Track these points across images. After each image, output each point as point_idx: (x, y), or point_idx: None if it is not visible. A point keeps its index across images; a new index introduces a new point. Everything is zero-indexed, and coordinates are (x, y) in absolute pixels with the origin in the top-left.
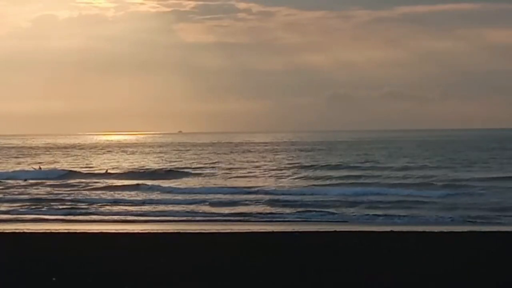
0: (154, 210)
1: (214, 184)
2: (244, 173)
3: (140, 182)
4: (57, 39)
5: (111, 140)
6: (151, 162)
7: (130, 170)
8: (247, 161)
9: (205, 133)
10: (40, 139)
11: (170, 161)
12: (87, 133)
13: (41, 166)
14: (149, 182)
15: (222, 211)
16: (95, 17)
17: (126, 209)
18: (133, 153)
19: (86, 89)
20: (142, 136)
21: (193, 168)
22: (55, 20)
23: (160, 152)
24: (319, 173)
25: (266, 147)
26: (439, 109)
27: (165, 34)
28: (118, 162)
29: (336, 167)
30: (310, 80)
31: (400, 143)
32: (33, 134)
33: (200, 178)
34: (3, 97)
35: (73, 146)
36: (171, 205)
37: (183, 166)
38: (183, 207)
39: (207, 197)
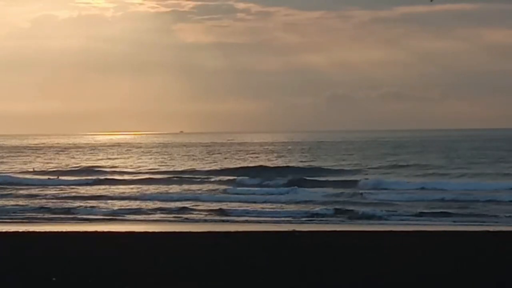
0: None
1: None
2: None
3: None
4: (56, 39)
5: (95, 140)
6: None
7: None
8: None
9: (206, 133)
10: (37, 139)
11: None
12: (88, 133)
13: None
14: None
15: None
16: (94, 17)
17: None
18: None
19: (87, 89)
20: (136, 136)
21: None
22: (55, 20)
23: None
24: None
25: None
26: (438, 109)
27: (164, 34)
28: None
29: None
30: (309, 80)
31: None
32: (34, 134)
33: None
34: (3, 97)
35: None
36: None
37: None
38: None
39: None
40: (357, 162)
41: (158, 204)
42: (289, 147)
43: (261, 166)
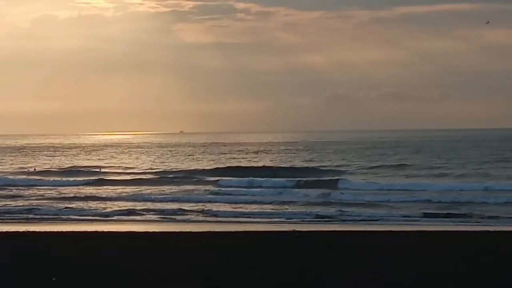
0: None
1: None
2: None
3: None
4: (56, 39)
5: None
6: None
7: None
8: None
9: (206, 133)
10: (37, 139)
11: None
12: (88, 133)
13: (36, 168)
14: None
15: None
16: (94, 17)
17: None
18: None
19: (87, 89)
20: (136, 136)
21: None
22: (55, 20)
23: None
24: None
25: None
26: (438, 109)
27: (164, 34)
28: None
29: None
30: (309, 80)
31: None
32: (34, 134)
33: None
34: (3, 97)
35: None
36: None
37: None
38: None
39: None
40: (352, 163)
41: (152, 205)
42: (289, 147)
43: (253, 166)
